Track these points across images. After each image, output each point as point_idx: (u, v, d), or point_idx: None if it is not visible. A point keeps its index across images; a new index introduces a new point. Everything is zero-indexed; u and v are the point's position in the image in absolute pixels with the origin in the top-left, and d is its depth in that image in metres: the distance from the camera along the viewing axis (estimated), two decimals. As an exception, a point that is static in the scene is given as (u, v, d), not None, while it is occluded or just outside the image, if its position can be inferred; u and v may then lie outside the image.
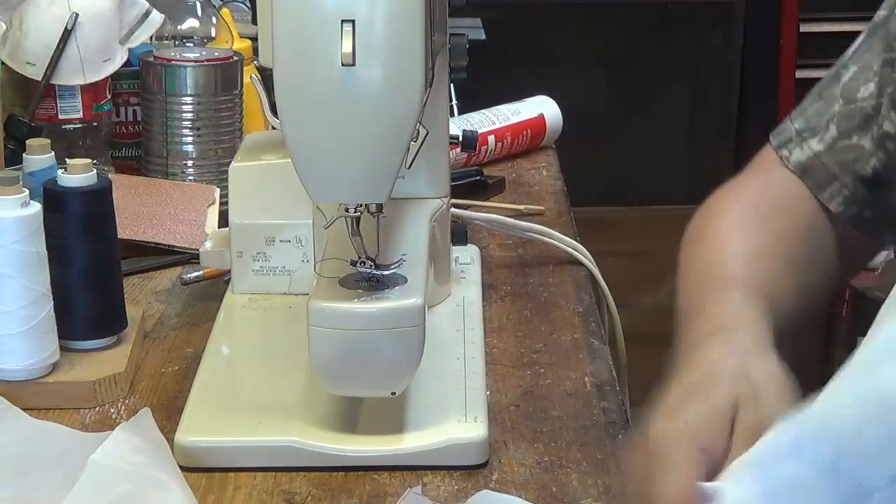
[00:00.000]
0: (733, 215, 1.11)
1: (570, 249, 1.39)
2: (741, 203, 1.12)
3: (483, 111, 1.72)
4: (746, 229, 1.09)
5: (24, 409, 1.02)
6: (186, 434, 0.99)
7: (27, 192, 1.04)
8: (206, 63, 1.48)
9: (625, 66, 3.35)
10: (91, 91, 1.49)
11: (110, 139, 1.55)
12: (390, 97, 0.92)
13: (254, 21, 1.04)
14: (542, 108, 1.76)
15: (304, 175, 0.94)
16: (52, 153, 1.24)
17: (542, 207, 1.54)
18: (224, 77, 1.49)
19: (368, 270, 0.99)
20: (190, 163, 1.49)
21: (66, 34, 1.46)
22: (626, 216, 3.32)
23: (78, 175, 1.09)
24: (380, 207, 0.99)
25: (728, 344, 0.90)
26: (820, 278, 1.12)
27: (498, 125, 1.71)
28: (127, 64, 1.52)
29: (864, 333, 0.74)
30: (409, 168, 1.10)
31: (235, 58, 1.50)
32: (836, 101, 1.12)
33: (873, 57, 1.11)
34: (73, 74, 1.47)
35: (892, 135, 1.09)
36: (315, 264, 1.13)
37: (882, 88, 1.10)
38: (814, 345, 2.86)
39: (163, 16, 1.55)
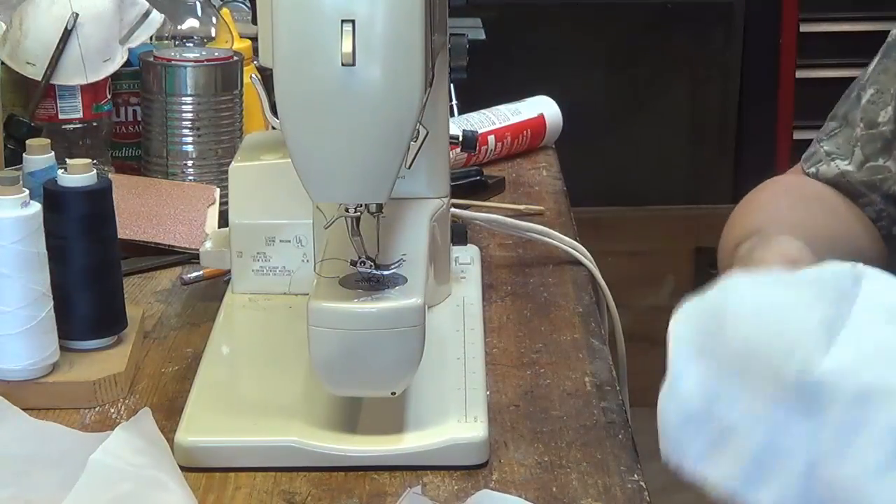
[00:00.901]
0: (775, 195, 1.15)
1: (570, 249, 1.39)
2: (780, 188, 1.16)
3: (483, 111, 1.72)
4: (787, 206, 1.13)
5: (24, 409, 1.02)
6: (186, 434, 0.99)
7: (27, 192, 1.04)
8: (206, 63, 1.48)
9: (625, 66, 3.35)
10: (91, 91, 1.49)
11: (110, 139, 1.55)
12: (390, 97, 0.92)
13: (254, 21, 1.04)
14: (542, 108, 1.76)
15: (304, 175, 0.94)
16: (52, 153, 1.24)
17: (542, 207, 1.54)
18: (224, 77, 1.48)
19: (368, 270, 0.99)
20: (190, 163, 1.49)
21: (67, 34, 1.46)
22: (626, 216, 3.32)
23: (78, 175, 1.09)
24: (380, 207, 0.99)
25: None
26: (858, 251, 1.13)
27: (498, 125, 1.70)
28: (127, 64, 1.52)
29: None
30: (409, 168, 1.10)
31: (235, 58, 1.50)
32: (858, 124, 1.14)
33: (889, 80, 1.13)
34: (73, 74, 1.47)
35: None
36: (315, 264, 1.13)
37: None
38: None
39: (163, 16, 1.55)
